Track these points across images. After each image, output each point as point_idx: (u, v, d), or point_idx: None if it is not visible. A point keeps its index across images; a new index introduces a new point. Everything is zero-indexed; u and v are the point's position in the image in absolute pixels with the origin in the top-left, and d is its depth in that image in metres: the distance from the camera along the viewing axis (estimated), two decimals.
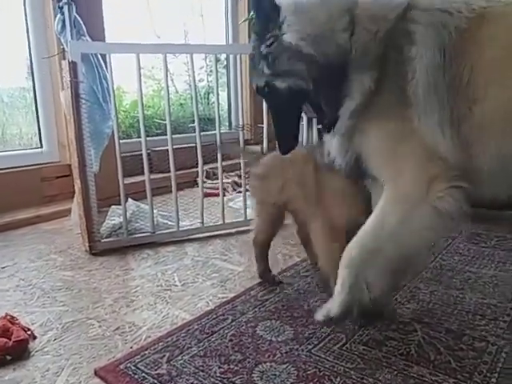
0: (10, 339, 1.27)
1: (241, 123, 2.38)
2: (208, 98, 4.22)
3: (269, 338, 1.31)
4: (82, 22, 2.34)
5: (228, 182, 3.21)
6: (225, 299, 1.56)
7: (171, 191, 2.23)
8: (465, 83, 1.00)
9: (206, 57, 3.95)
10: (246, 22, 3.70)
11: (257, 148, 1.87)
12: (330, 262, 1.40)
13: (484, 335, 1.30)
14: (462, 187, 1.06)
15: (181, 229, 2.24)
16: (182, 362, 1.20)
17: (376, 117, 1.12)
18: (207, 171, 3.32)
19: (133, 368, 1.18)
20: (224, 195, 2.41)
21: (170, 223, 2.29)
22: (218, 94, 2.28)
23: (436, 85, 1.02)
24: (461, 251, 1.96)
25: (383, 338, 1.29)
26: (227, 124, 4.16)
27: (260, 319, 1.42)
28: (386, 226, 1.13)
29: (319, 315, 1.27)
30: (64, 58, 2.24)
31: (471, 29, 1.00)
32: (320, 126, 1.44)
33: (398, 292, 1.56)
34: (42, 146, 2.94)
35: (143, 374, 1.15)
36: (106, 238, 2.13)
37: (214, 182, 3.21)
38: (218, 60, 2.43)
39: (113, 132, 2.14)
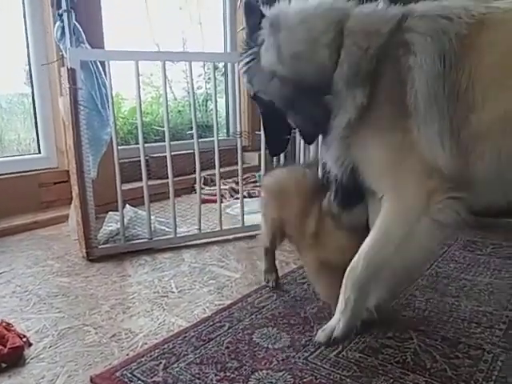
0: (6, 346, 1.26)
1: (238, 130, 2.38)
2: (206, 105, 4.24)
3: (265, 346, 1.31)
4: (81, 30, 2.35)
5: (226, 189, 3.22)
6: (221, 306, 1.56)
7: (169, 197, 2.24)
8: (463, 90, 0.99)
9: (204, 64, 3.98)
10: (244, 31, 3.73)
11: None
12: (326, 294, 1.42)
13: (480, 343, 1.30)
14: (461, 197, 1.06)
15: (178, 235, 2.24)
16: (178, 369, 1.20)
17: (374, 128, 1.11)
18: (205, 177, 3.33)
19: (129, 375, 1.17)
20: (221, 202, 2.42)
21: (167, 229, 2.30)
22: (216, 102, 2.29)
23: (436, 94, 1.01)
24: (456, 259, 1.96)
25: (379, 345, 1.30)
26: (225, 131, 4.17)
27: (257, 326, 1.42)
28: (391, 241, 1.12)
29: (320, 336, 1.26)
30: (63, 65, 2.25)
31: (471, 35, 1.00)
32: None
33: (395, 300, 1.57)
34: (40, 152, 2.95)
35: (139, 382, 1.15)
36: (104, 244, 2.13)
37: (212, 188, 3.21)
38: (216, 68, 2.45)
39: (111, 138, 2.15)
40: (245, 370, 1.19)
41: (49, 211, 2.74)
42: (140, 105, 2.11)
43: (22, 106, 3.00)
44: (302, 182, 1.55)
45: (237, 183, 3.00)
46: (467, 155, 1.03)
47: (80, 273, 1.91)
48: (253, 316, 1.48)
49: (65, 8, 2.22)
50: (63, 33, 2.28)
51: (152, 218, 2.24)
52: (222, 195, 2.42)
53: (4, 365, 1.23)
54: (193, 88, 2.28)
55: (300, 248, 1.57)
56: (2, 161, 2.78)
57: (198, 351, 1.28)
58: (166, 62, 2.17)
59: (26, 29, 2.78)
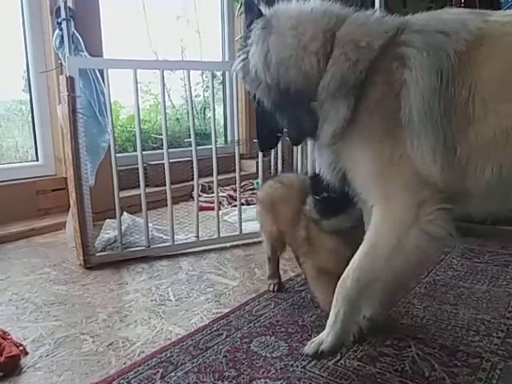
0: (2, 355, 1.26)
1: (236, 138, 2.39)
2: (204, 113, 4.26)
3: (263, 354, 1.30)
4: (80, 38, 2.37)
5: (223, 196, 3.22)
6: (219, 314, 1.56)
7: (166, 205, 2.24)
8: (462, 104, 0.98)
9: (202, 73, 4.00)
10: (244, 26, 3.75)
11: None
12: (325, 302, 1.40)
13: (478, 351, 1.30)
14: (450, 209, 1.05)
15: (176, 243, 2.24)
16: (175, 378, 1.19)
17: (362, 139, 1.09)
18: (203, 185, 3.33)
19: None
20: (219, 209, 2.42)
21: (164, 237, 2.29)
22: (214, 110, 2.30)
23: (432, 109, 0.99)
24: (454, 266, 1.97)
25: (377, 353, 1.29)
26: (223, 138, 4.19)
27: (255, 335, 1.41)
28: (380, 254, 1.10)
29: (308, 348, 1.22)
30: (62, 73, 2.26)
31: (469, 50, 0.98)
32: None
33: (392, 308, 1.57)
34: (37, 159, 2.95)
35: None
36: (101, 251, 2.12)
37: (210, 195, 3.21)
38: (214, 76, 2.46)
39: (109, 146, 2.16)
40: (243, 378, 1.19)
41: (46, 218, 2.73)
42: (138, 113, 2.12)
43: (20, 113, 3.00)
44: (290, 191, 1.58)
45: (234, 190, 3.01)
46: (465, 169, 1.01)
47: (77, 281, 1.91)
48: (251, 324, 1.48)
49: (64, 17, 2.23)
50: (62, 41, 2.30)
51: (149, 225, 2.24)
52: (219, 202, 2.42)
53: (0, 374, 1.22)
54: (191, 96, 2.29)
55: (298, 256, 1.59)
56: (0, 168, 2.78)
57: (196, 360, 1.28)
58: (165, 71, 2.18)
59: (24, 36, 2.79)
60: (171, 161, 2.27)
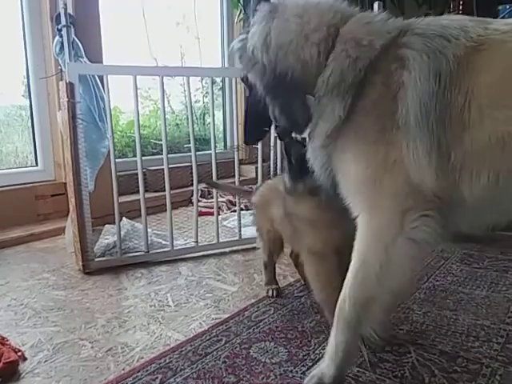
0: (0, 361, 1.25)
1: (236, 143, 2.40)
2: (204, 119, 4.27)
3: (263, 360, 1.30)
4: (80, 44, 2.38)
5: (223, 201, 3.22)
6: (218, 320, 1.55)
7: (166, 210, 2.24)
8: (458, 110, 0.97)
9: (202, 79, 4.02)
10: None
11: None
12: (318, 290, 1.40)
13: (478, 357, 1.30)
14: (434, 216, 1.03)
15: (175, 248, 2.23)
16: None
17: (355, 141, 1.07)
18: (202, 190, 3.34)
19: None
20: (218, 214, 2.42)
21: (164, 242, 2.29)
22: (213, 115, 2.31)
23: (428, 113, 0.98)
24: (453, 272, 1.97)
25: (377, 359, 1.29)
26: (223, 144, 4.20)
27: (254, 340, 1.41)
28: (371, 272, 1.07)
29: (310, 381, 1.15)
30: (61, 79, 2.27)
31: (468, 55, 0.98)
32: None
33: (391, 314, 1.56)
34: (37, 165, 2.95)
35: None
36: (100, 256, 2.12)
37: (209, 200, 3.22)
38: (213, 82, 2.48)
39: (109, 151, 2.16)
40: None
41: (45, 224, 2.73)
42: (138, 118, 2.13)
43: (20, 119, 3.01)
44: (280, 189, 1.56)
45: (234, 196, 3.01)
46: (460, 174, 0.99)
47: (76, 286, 1.90)
48: (250, 330, 1.48)
49: (64, 23, 2.24)
50: (62, 47, 2.31)
51: (149, 230, 2.24)
52: (219, 208, 2.42)
53: None
54: (191, 102, 2.29)
55: (299, 250, 1.56)
56: (0, 173, 2.78)
57: (195, 366, 1.27)
58: (164, 77, 2.19)
59: (25, 42, 2.81)
60: (171, 166, 2.27)
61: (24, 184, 2.77)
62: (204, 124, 4.26)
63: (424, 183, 1.01)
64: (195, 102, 4.21)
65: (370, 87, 1.04)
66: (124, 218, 2.37)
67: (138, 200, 2.18)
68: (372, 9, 2.19)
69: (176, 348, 1.37)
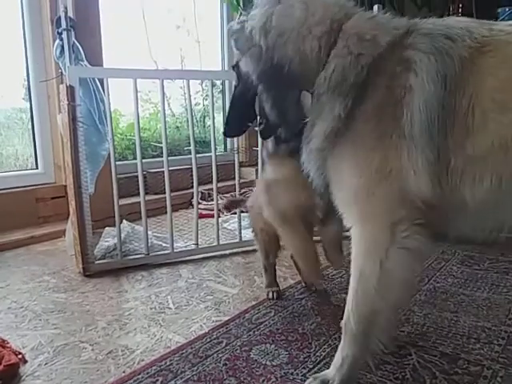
0: (1, 363, 1.25)
1: (236, 146, 2.41)
2: (204, 121, 4.28)
3: (263, 362, 1.29)
4: (80, 48, 2.38)
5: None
6: (219, 322, 1.55)
7: (166, 212, 2.24)
8: (462, 114, 0.94)
9: (202, 81, 4.02)
10: None
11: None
12: (295, 252, 1.46)
13: (479, 359, 1.30)
14: (426, 223, 1.02)
15: (175, 250, 2.23)
16: None
17: (353, 146, 1.02)
18: (202, 192, 3.34)
19: None
20: (219, 216, 2.42)
21: (164, 245, 2.29)
22: (213, 118, 2.31)
23: (434, 118, 0.95)
24: (454, 274, 1.97)
25: (378, 361, 1.29)
26: (223, 146, 4.20)
27: (254, 343, 1.41)
28: (370, 286, 1.06)
29: (312, 382, 1.16)
30: (62, 82, 2.27)
31: (473, 58, 0.95)
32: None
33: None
34: (37, 168, 2.95)
35: None
36: (100, 259, 2.12)
37: (209, 203, 3.22)
38: (213, 85, 2.48)
39: (109, 154, 2.16)
40: None
41: (46, 226, 2.73)
42: (138, 121, 2.13)
43: (21, 122, 3.01)
44: (264, 178, 1.59)
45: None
46: (460, 180, 0.97)
47: (76, 288, 1.90)
48: (250, 332, 1.47)
49: (64, 26, 2.25)
50: (62, 51, 2.31)
51: (149, 233, 2.24)
52: (219, 210, 2.42)
53: None
54: (191, 105, 2.30)
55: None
56: (0, 176, 2.78)
57: (196, 368, 1.27)
58: (165, 80, 2.19)
59: (25, 45, 2.81)
60: (171, 168, 2.27)
61: (24, 187, 2.77)
62: (204, 126, 4.26)
63: (419, 192, 0.98)
64: (195, 104, 4.21)
65: (373, 90, 1.00)
66: (124, 221, 2.37)
67: (139, 202, 2.18)
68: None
69: (176, 350, 1.36)
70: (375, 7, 2.15)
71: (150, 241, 2.21)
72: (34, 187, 2.81)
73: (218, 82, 4.07)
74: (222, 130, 1.41)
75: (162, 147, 2.24)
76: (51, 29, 2.67)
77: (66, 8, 2.22)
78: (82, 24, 2.50)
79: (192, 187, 2.34)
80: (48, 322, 1.59)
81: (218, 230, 2.34)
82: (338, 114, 1.01)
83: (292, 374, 1.24)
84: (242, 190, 3.33)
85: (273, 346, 1.39)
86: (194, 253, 2.28)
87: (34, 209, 2.76)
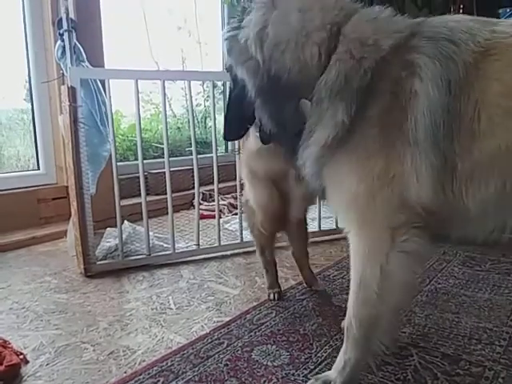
0: (2, 364, 1.25)
1: (237, 147, 2.40)
2: (205, 122, 4.28)
3: (264, 363, 1.29)
4: (81, 49, 2.39)
5: (224, 204, 3.22)
6: (220, 323, 1.55)
7: (167, 213, 2.24)
8: (468, 120, 0.92)
9: (203, 82, 4.03)
10: None
11: None
12: (256, 203, 1.64)
13: (481, 360, 1.30)
14: (424, 226, 1.02)
15: (176, 251, 2.23)
16: None
17: (354, 152, 1.01)
18: (203, 193, 3.34)
19: None
20: (220, 217, 2.42)
21: (165, 245, 2.29)
22: (214, 119, 2.31)
23: (439, 124, 0.93)
24: (455, 274, 1.96)
25: (379, 362, 1.28)
26: (224, 147, 4.20)
27: (256, 344, 1.41)
28: (371, 292, 1.05)
29: (314, 383, 1.16)
30: (63, 83, 2.28)
31: (477, 62, 0.93)
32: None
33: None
34: (39, 168, 2.96)
35: None
36: (102, 260, 2.12)
37: (211, 203, 3.22)
38: (215, 86, 2.48)
39: (110, 155, 2.17)
40: None
41: (47, 227, 2.73)
42: (139, 122, 2.13)
43: (22, 123, 3.02)
44: None
45: (235, 199, 3.01)
46: (465, 186, 0.96)
47: (78, 289, 1.90)
48: (252, 333, 1.47)
49: (66, 28, 2.26)
50: (64, 52, 2.32)
51: (150, 233, 2.24)
52: (220, 211, 2.42)
53: (1, 383, 1.21)
54: (192, 106, 2.31)
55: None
56: (1, 177, 2.79)
57: (197, 369, 1.27)
58: (166, 81, 2.19)
59: (26, 46, 2.82)
60: (172, 169, 2.28)
61: (26, 187, 2.78)
62: (205, 127, 4.26)
63: (419, 199, 0.97)
64: (196, 105, 4.22)
65: (376, 95, 0.98)
66: (125, 221, 2.37)
67: (140, 203, 2.19)
68: None
69: (178, 351, 1.36)
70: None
71: (151, 241, 2.21)
72: (36, 188, 2.81)
73: (219, 83, 4.05)
74: (222, 132, 1.40)
75: (163, 148, 2.25)
76: (52, 30, 2.68)
77: (67, 9, 2.23)
78: (83, 25, 2.50)
79: (193, 188, 2.35)
80: (49, 323, 1.59)
81: (220, 230, 2.34)
82: (342, 120, 0.98)
83: (293, 374, 1.24)
84: (243, 191, 3.34)
85: (274, 346, 1.39)
86: (195, 253, 2.28)
87: (36, 209, 2.76)
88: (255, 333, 1.47)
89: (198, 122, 4.21)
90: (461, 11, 3.61)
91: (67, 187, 2.30)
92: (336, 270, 2.04)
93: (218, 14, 4.11)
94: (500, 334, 1.44)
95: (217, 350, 1.37)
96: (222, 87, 4.12)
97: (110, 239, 2.29)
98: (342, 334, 1.33)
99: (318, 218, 2.53)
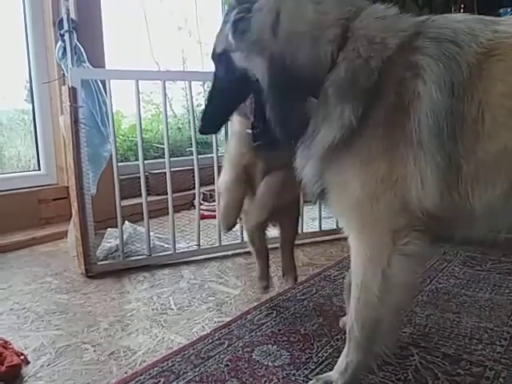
0: (3, 364, 1.25)
1: None
2: None
3: (265, 363, 1.29)
4: (82, 49, 2.39)
5: None
6: (221, 323, 1.55)
7: (168, 213, 2.24)
8: (471, 121, 0.91)
9: (203, 83, 4.03)
10: None
11: None
12: (221, 185, 1.62)
13: (481, 360, 1.29)
14: (424, 229, 1.01)
15: (177, 251, 2.24)
16: None
17: (358, 153, 0.99)
18: (204, 193, 3.34)
19: None
20: None
21: (166, 246, 2.29)
22: None
23: (442, 126, 0.92)
24: (456, 274, 1.96)
25: (380, 362, 1.28)
26: (224, 147, 4.20)
27: (256, 344, 1.41)
28: (373, 295, 1.05)
29: (315, 383, 1.16)
30: (64, 84, 2.28)
31: (480, 63, 0.91)
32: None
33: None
34: (39, 169, 2.96)
35: None
36: (102, 260, 2.12)
37: (211, 204, 3.22)
38: None
39: (111, 155, 2.17)
40: None
41: (48, 228, 2.74)
42: (140, 123, 2.13)
43: (23, 123, 3.03)
44: None
45: None
46: (470, 188, 0.95)
47: (78, 290, 1.90)
48: (252, 333, 1.47)
49: (67, 28, 2.26)
50: (65, 52, 2.32)
51: (151, 234, 2.24)
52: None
53: (1, 383, 1.21)
54: (192, 106, 2.31)
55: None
56: (2, 177, 2.79)
57: (198, 369, 1.27)
58: (166, 81, 2.20)
59: (27, 47, 2.83)
60: (173, 170, 2.28)
61: (26, 188, 2.78)
62: None
63: (423, 201, 0.96)
64: (197, 105, 4.22)
65: (382, 95, 0.96)
66: (126, 222, 2.37)
67: (140, 203, 2.19)
68: None
69: (178, 351, 1.36)
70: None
71: (151, 242, 2.22)
72: (36, 188, 2.82)
73: None
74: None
75: (163, 148, 2.25)
76: (53, 30, 2.69)
77: (68, 10, 2.23)
78: (84, 26, 2.51)
79: (194, 188, 2.35)
80: (50, 323, 1.59)
81: (220, 230, 2.34)
82: (349, 121, 0.96)
83: (294, 374, 1.24)
84: None
85: (275, 346, 1.39)
86: (195, 254, 2.28)
87: (37, 210, 2.77)
88: (256, 333, 1.47)
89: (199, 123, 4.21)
90: (462, 11, 3.61)
91: (68, 188, 2.30)
92: (337, 270, 2.04)
93: (219, 14, 4.11)
94: (501, 333, 1.44)
95: (217, 350, 1.37)
96: None
97: (110, 240, 2.29)
98: (343, 333, 1.33)
99: (319, 218, 2.53)
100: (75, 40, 2.31)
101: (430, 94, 0.93)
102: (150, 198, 2.66)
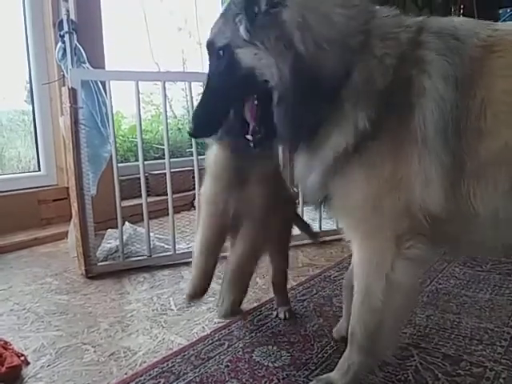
0: (3, 365, 1.25)
1: None
2: None
3: (265, 364, 1.29)
4: (82, 50, 2.39)
5: None
6: (221, 324, 1.55)
7: (168, 214, 2.24)
8: (474, 117, 0.91)
9: (203, 83, 4.03)
10: None
11: None
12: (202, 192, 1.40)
13: (482, 360, 1.29)
14: (427, 233, 1.01)
15: (177, 252, 2.23)
16: None
17: (367, 158, 0.97)
18: None
19: None
20: None
21: (166, 246, 2.29)
22: None
23: (447, 122, 0.92)
24: (456, 275, 1.96)
25: (380, 363, 1.28)
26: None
27: (256, 344, 1.41)
28: (376, 299, 1.04)
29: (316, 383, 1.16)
30: (64, 85, 2.28)
31: (482, 59, 0.92)
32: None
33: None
34: (39, 170, 2.96)
35: None
36: (102, 261, 2.12)
37: None
38: None
39: (111, 156, 2.17)
40: None
41: (48, 228, 2.74)
42: (140, 124, 2.14)
43: (23, 124, 3.03)
44: None
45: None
46: (473, 186, 0.94)
47: (79, 290, 1.90)
48: (253, 334, 1.47)
49: (67, 29, 2.26)
50: (65, 53, 2.32)
51: (151, 234, 2.24)
52: None
53: None
54: (192, 107, 2.30)
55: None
56: (2, 178, 2.79)
57: (198, 370, 1.27)
58: (166, 82, 2.20)
59: (27, 48, 2.83)
60: (173, 170, 2.28)
61: (27, 189, 2.78)
62: None
63: (426, 203, 0.96)
64: None
65: (394, 95, 0.94)
66: (126, 223, 2.37)
67: (141, 204, 2.19)
68: None
69: (179, 352, 1.36)
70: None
71: (152, 242, 2.22)
72: (37, 189, 2.82)
73: None
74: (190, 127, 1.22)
75: (163, 149, 2.25)
76: (53, 31, 2.69)
77: (68, 11, 2.23)
78: (83, 27, 2.51)
79: (194, 189, 2.35)
80: (50, 324, 1.59)
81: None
82: (364, 126, 0.93)
83: (294, 375, 1.24)
84: None
85: (275, 347, 1.39)
86: None
87: (37, 211, 2.77)
88: (256, 334, 1.47)
89: None
90: (461, 11, 3.62)
91: (68, 188, 2.30)
92: (337, 270, 2.04)
93: (218, 14, 4.11)
94: (501, 334, 1.44)
95: (218, 351, 1.37)
96: None
97: (110, 240, 2.29)
98: (336, 341, 1.32)
99: (319, 219, 2.53)
100: (75, 41, 2.32)
101: (436, 88, 0.92)
102: (150, 199, 2.66)
